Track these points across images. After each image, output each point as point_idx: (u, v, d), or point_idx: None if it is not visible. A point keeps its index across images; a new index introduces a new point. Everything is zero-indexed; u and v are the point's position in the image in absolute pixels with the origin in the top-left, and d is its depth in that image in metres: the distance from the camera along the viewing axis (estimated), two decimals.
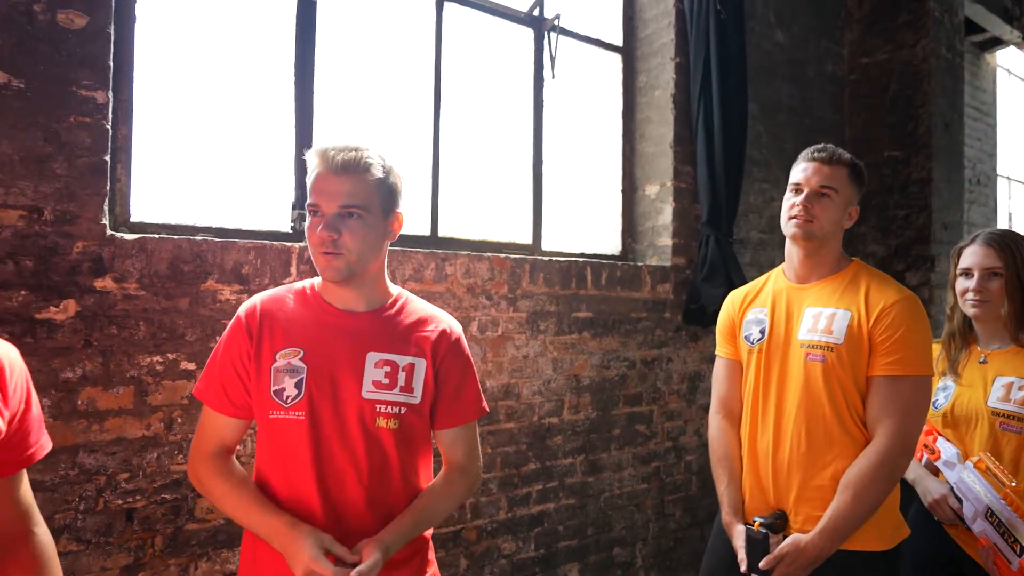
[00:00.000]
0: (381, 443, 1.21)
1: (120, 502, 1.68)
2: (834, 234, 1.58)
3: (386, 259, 1.29)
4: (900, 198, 3.65)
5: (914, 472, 1.79)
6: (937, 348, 1.84)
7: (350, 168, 1.16)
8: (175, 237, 1.78)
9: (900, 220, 3.64)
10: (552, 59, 2.82)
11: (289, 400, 1.18)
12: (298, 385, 1.18)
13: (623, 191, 3.08)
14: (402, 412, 1.22)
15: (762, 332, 1.63)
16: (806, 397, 1.53)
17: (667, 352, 2.92)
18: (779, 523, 1.53)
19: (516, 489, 2.45)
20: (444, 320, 1.33)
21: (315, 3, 2.19)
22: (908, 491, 1.87)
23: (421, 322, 1.29)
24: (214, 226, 1.97)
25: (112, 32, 1.71)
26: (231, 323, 1.24)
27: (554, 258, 2.61)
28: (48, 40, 1.59)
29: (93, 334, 1.65)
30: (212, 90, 2.07)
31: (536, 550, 2.50)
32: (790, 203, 1.58)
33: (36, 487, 1.57)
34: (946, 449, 1.71)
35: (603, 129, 3.07)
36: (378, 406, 1.20)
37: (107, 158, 1.68)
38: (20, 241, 1.56)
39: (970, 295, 1.74)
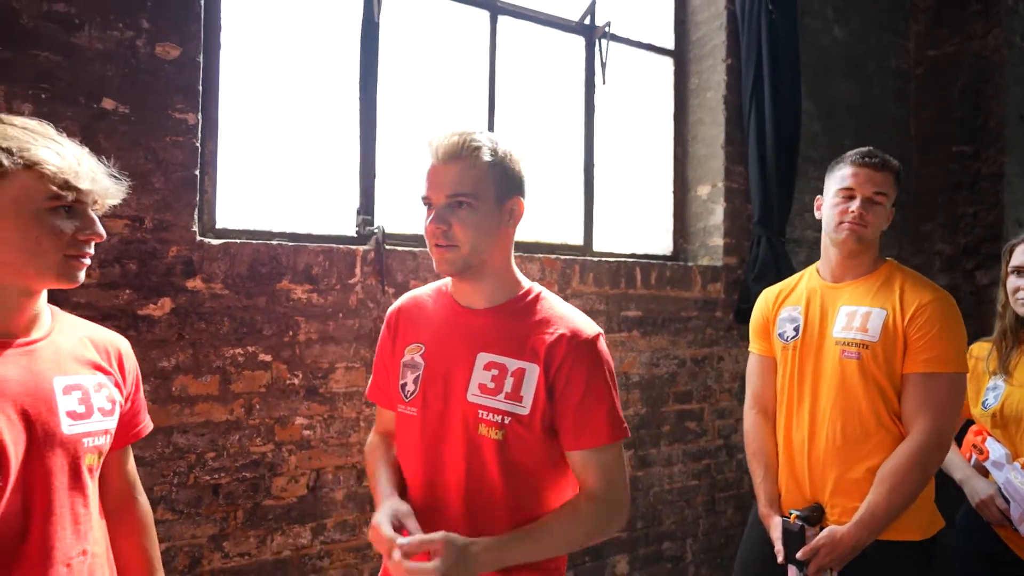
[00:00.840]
0: (482, 453, 1.11)
1: (208, 478, 1.89)
2: (877, 238, 1.65)
3: (512, 250, 1.20)
4: (969, 194, 3.52)
5: (962, 472, 1.78)
6: (987, 347, 1.82)
7: (455, 155, 1.09)
8: (254, 242, 1.98)
9: (969, 217, 3.51)
10: (603, 65, 2.90)
11: (408, 395, 1.18)
12: (416, 381, 1.17)
13: (674, 192, 3.12)
14: (506, 422, 1.09)
15: (796, 329, 1.68)
16: (842, 393, 1.58)
17: (718, 351, 2.95)
18: (815, 515, 1.57)
19: None
20: (573, 322, 1.15)
21: (378, 23, 2.36)
22: (957, 491, 1.86)
23: (545, 323, 1.13)
24: (287, 231, 2.16)
25: (201, 60, 1.92)
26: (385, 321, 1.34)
27: (604, 259, 2.70)
28: (148, 70, 1.82)
29: (185, 328, 1.86)
30: (285, 107, 2.27)
31: None
32: (841, 208, 1.61)
33: (138, 462, 1.79)
34: (995, 449, 1.70)
35: (654, 131, 3.13)
36: (480, 412, 1.10)
37: (197, 172, 1.89)
38: (125, 247, 1.79)
39: (1021, 294, 1.72)
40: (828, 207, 1.66)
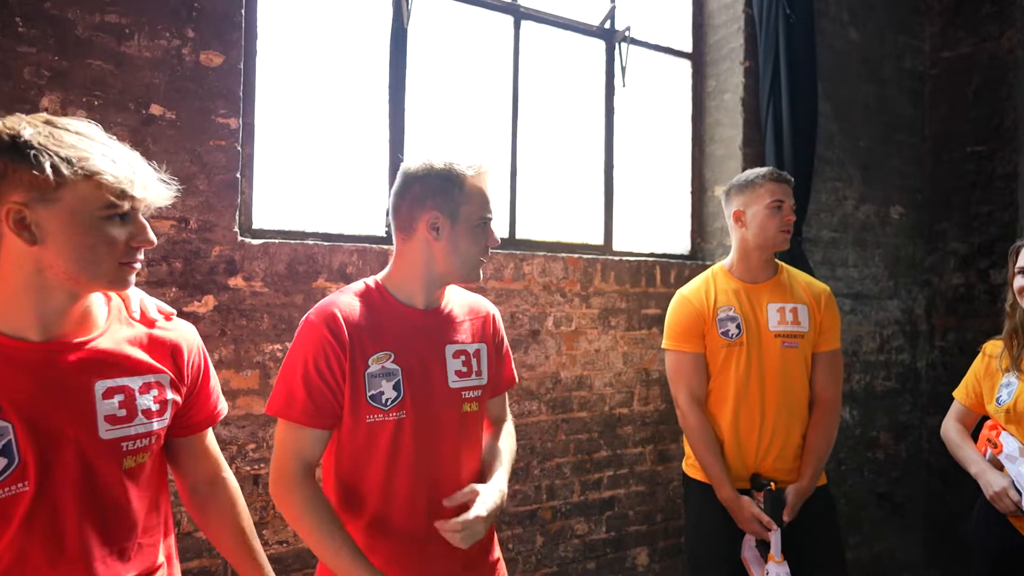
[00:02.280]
0: (468, 425, 1.32)
1: (248, 468, 1.97)
2: None
3: None
4: (983, 194, 3.55)
5: (977, 466, 1.83)
6: (1000, 345, 1.87)
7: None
8: (292, 242, 2.06)
9: (983, 217, 3.55)
10: (623, 68, 2.96)
11: (389, 402, 1.21)
12: (396, 387, 1.22)
13: (692, 193, 3.18)
14: (480, 395, 1.33)
15: (739, 327, 1.93)
16: (785, 378, 1.91)
17: None
18: (777, 484, 1.89)
19: (588, 474, 2.61)
20: (486, 304, 1.45)
21: (406, 29, 2.44)
22: (972, 484, 1.91)
23: (471, 310, 1.39)
24: (321, 231, 2.24)
25: (241, 67, 2.00)
26: (309, 335, 1.22)
27: (624, 258, 2.76)
28: (193, 77, 1.90)
29: (227, 325, 1.94)
30: (318, 111, 2.35)
31: (607, 532, 2.66)
32: (779, 217, 1.92)
33: None
34: (1008, 443, 1.75)
35: (672, 133, 3.18)
36: (463, 393, 1.30)
37: (238, 175, 1.97)
38: (171, 247, 1.87)
39: None
40: (762, 218, 1.92)
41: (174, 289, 1.87)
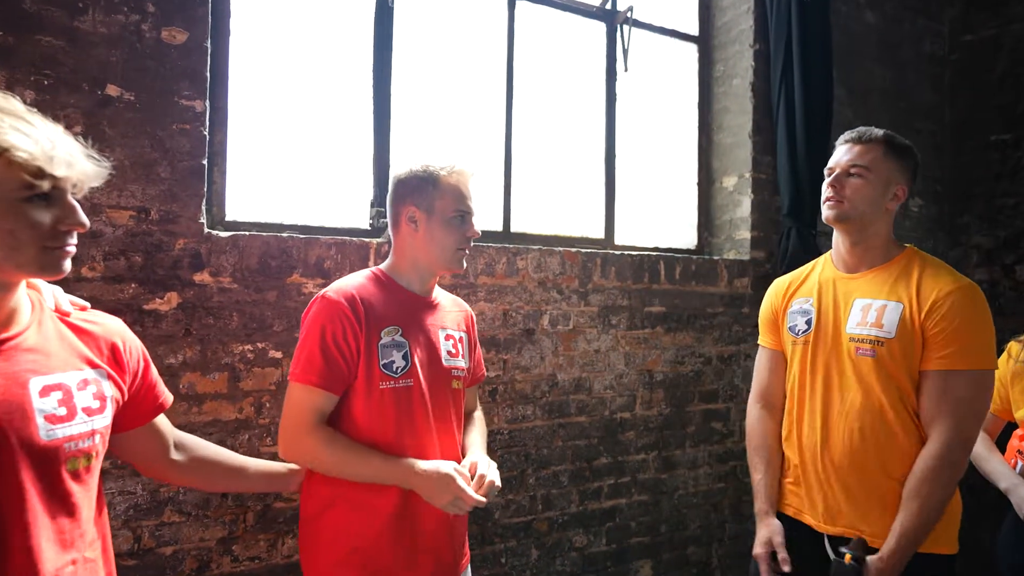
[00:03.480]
0: (456, 400, 1.50)
1: None
2: (876, 216, 1.50)
3: None
4: (1009, 185, 3.36)
5: (1008, 481, 1.67)
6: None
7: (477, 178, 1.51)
8: (264, 234, 1.91)
9: (1009, 209, 3.35)
10: (625, 52, 2.79)
11: (399, 371, 1.38)
12: (405, 357, 1.39)
13: (699, 184, 3.01)
14: (463, 375, 1.52)
15: (808, 323, 1.57)
16: (859, 393, 1.47)
17: (745, 348, 2.83)
18: (863, 552, 1.44)
19: (587, 483, 2.45)
20: (464, 303, 1.65)
21: (392, 7, 2.28)
22: (1002, 501, 1.74)
23: (455, 304, 1.60)
24: (300, 224, 2.09)
25: (209, 46, 1.85)
26: (327, 309, 1.35)
27: (626, 252, 2.59)
28: (154, 56, 1.75)
29: (192, 324, 1.79)
30: (297, 96, 2.20)
31: (608, 544, 2.50)
32: (824, 187, 1.55)
33: None
34: None
35: (678, 121, 3.01)
36: (453, 371, 1.49)
37: (204, 162, 1.82)
38: (130, 239, 1.72)
39: None
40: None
41: (133, 285, 1.73)
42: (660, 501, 2.62)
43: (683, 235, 3.00)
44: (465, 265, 1.50)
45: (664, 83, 2.99)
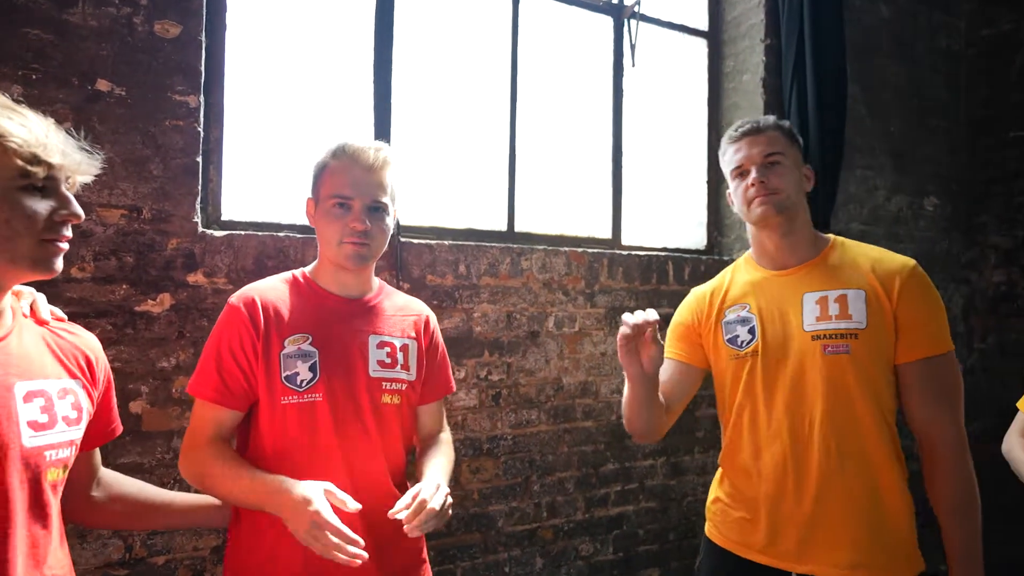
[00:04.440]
0: (387, 417, 1.28)
1: None
2: (801, 204, 1.39)
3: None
4: None
5: None
6: None
7: (382, 165, 1.26)
8: (259, 234, 1.85)
9: None
10: (632, 47, 2.73)
11: (304, 384, 1.21)
12: (312, 368, 1.21)
13: (708, 182, 2.94)
14: (403, 388, 1.30)
15: (752, 332, 1.37)
16: (832, 399, 1.28)
17: None
18: None
19: (594, 489, 2.39)
20: (423, 306, 1.44)
21: (392, 2, 2.22)
22: (1018, 500, 1.66)
23: (406, 308, 1.39)
24: (299, 223, 2.03)
25: (203, 40, 1.80)
26: (225, 316, 1.22)
27: (633, 252, 2.53)
28: (146, 49, 1.70)
29: (186, 326, 1.74)
30: (296, 91, 2.14)
31: (615, 553, 2.43)
32: (741, 188, 1.38)
33: (136, 469, 1.69)
34: None
35: (686, 117, 2.94)
36: (384, 383, 1.28)
37: (198, 159, 1.77)
38: (122, 238, 1.67)
39: None
40: (733, 195, 1.43)
41: (124, 286, 1.68)
42: (669, 508, 2.55)
43: (692, 235, 2.93)
44: (358, 262, 1.24)
45: (673, 79, 2.92)
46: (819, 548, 1.27)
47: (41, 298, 1.01)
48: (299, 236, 1.91)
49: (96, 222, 1.64)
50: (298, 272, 1.33)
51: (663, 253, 2.64)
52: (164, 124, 1.72)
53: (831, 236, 1.42)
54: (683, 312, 1.54)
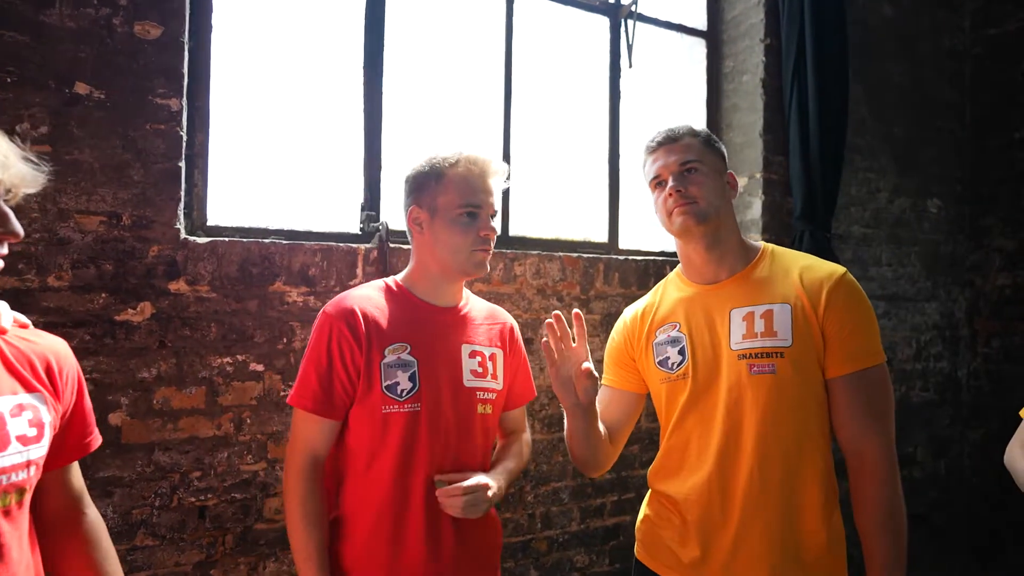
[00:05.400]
0: (483, 428, 1.30)
1: (193, 500, 1.72)
2: (726, 212, 1.30)
3: None
4: None
5: None
6: None
7: (503, 174, 1.30)
8: (244, 240, 1.81)
9: None
10: (629, 47, 2.68)
11: (404, 393, 1.22)
12: (412, 378, 1.22)
13: None
14: (494, 398, 1.31)
15: (682, 353, 1.29)
16: (759, 422, 1.20)
17: None
18: None
19: (590, 500, 2.34)
20: (505, 314, 1.44)
21: (384, 2, 2.18)
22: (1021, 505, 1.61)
23: (490, 316, 1.39)
24: (287, 229, 1.99)
25: (186, 41, 1.76)
26: (324, 326, 1.21)
27: (630, 257, 2.47)
28: (126, 52, 1.65)
29: (167, 335, 1.70)
30: (285, 95, 2.10)
31: (611, 564, 2.38)
32: (661, 200, 1.31)
33: (115, 483, 1.64)
34: None
35: (685, 119, 2.88)
36: (478, 393, 1.29)
37: (181, 164, 1.73)
38: (101, 246, 1.63)
39: None
40: (655, 208, 1.36)
41: (104, 295, 1.63)
42: None
43: None
44: (485, 270, 1.28)
45: (671, 80, 2.87)
46: (741, 573, 1.21)
47: (3, 307, 0.96)
48: (286, 242, 1.86)
49: (74, 229, 1.60)
50: (390, 281, 1.34)
51: (660, 258, 2.59)
52: (145, 128, 1.67)
53: (762, 244, 1.34)
54: (615, 335, 1.46)
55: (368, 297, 1.28)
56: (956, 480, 3.30)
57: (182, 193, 1.74)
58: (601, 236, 2.61)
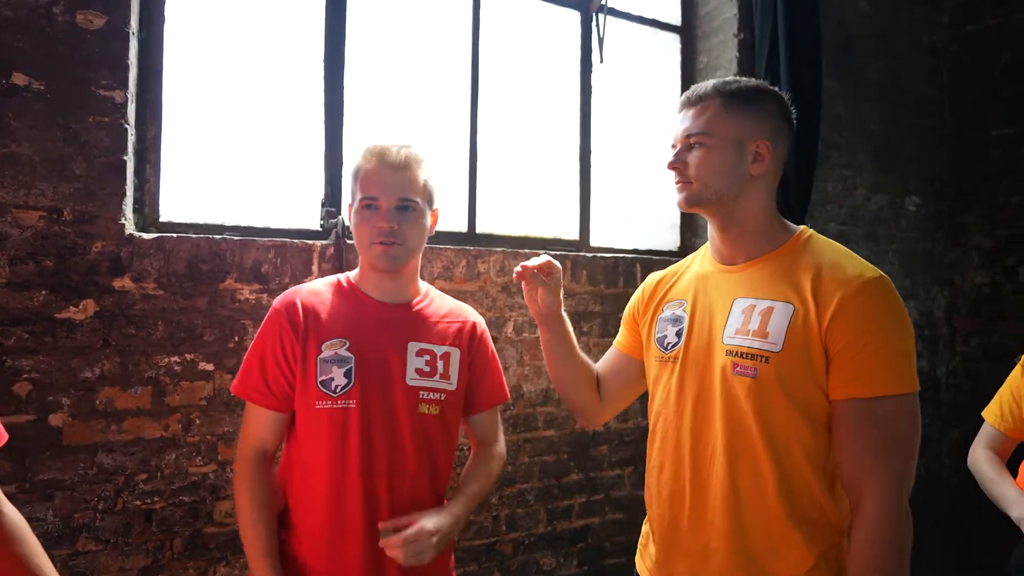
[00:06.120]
0: (426, 428, 1.25)
1: (139, 503, 1.67)
2: (738, 189, 1.12)
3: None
4: (1012, 182, 3.18)
5: (1019, 509, 1.50)
6: None
7: (408, 163, 1.23)
8: (193, 236, 1.76)
9: (1012, 207, 3.18)
10: (600, 42, 2.64)
11: (339, 389, 1.19)
12: (347, 374, 1.20)
13: None
14: (442, 398, 1.27)
15: (679, 334, 1.18)
16: (729, 429, 1.07)
17: None
18: None
19: (556, 501, 2.29)
20: (470, 312, 1.39)
21: None
22: (1012, 530, 1.58)
23: (451, 314, 1.35)
24: (243, 225, 1.94)
25: (134, 32, 1.71)
26: (270, 319, 1.22)
27: (599, 254, 2.43)
28: (67, 41, 1.60)
29: (112, 334, 1.65)
30: (242, 88, 2.05)
31: (579, 567, 2.34)
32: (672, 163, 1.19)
33: (56, 485, 1.59)
34: None
35: (658, 115, 2.85)
36: (421, 392, 1.25)
37: (126, 158, 1.68)
38: (40, 241, 1.58)
39: None
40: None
41: (44, 292, 1.58)
42: (636, 520, 2.45)
43: (666, 236, 2.84)
44: (389, 263, 1.21)
45: (644, 75, 2.83)
46: None
47: None
48: (236, 238, 1.81)
49: (12, 224, 1.55)
50: (343, 277, 1.32)
51: (631, 255, 2.55)
52: (88, 121, 1.63)
53: (799, 230, 1.15)
54: (634, 298, 1.38)
55: (315, 292, 1.27)
56: (935, 480, 3.28)
57: (128, 188, 1.70)
58: (572, 234, 2.57)
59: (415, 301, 1.31)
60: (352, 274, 1.32)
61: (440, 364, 1.28)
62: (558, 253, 2.32)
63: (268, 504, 1.19)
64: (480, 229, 2.36)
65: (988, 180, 3.25)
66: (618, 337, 1.40)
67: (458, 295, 2.10)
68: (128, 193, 1.71)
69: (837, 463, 1.02)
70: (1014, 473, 1.66)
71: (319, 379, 1.19)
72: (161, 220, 1.86)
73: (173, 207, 1.90)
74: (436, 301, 1.35)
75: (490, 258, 2.17)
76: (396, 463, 1.21)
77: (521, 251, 2.25)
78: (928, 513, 3.26)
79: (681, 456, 1.14)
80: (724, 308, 1.13)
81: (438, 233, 2.22)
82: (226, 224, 1.92)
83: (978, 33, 3.32)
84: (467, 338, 1.33)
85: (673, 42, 2.87)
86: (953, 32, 3.39)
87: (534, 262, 1.25)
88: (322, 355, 1.20)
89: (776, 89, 1.18)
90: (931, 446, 3.30)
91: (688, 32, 2.87)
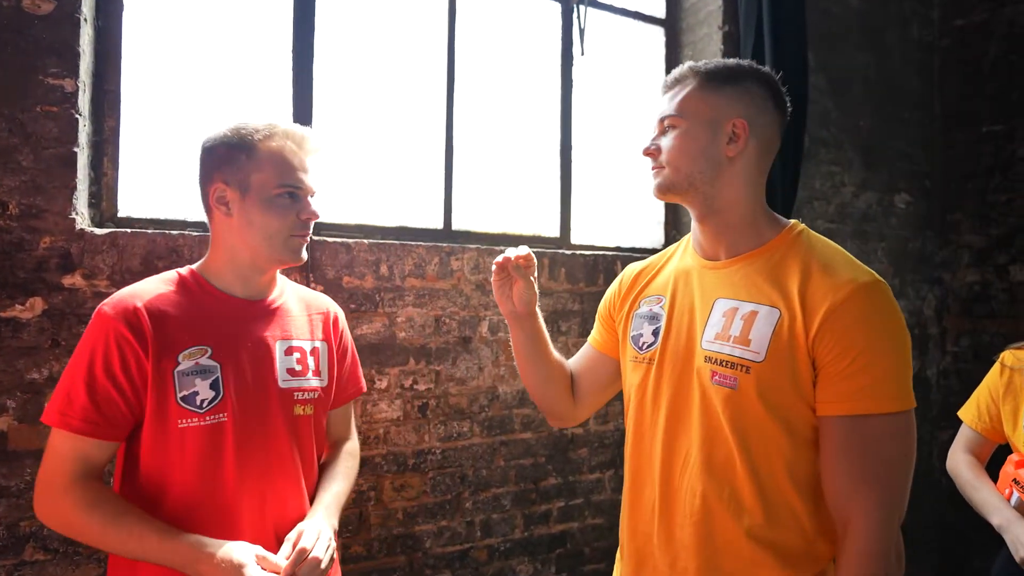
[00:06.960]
0: (301, 431, 1.18)
1: None
2: (713, 173, 1.03)
3: None
4: (1002, 179, 3.13)
5: (1001, 516, 1.44)
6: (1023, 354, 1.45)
7: (322, 149, 1.18)
8: (148, 231, 1.69)
9: (1002, 205, 3.13)
10: (581, 34, 2.57)
11: (205, 404, 1.07)
12: (213, 386, 1.08)
13: None
14: (316, 396, 1.20)
15: (656, 334, 1.10)
16: (706, 439, 0.99)
17: None
18: None
19: (534, 506, 2.23)
20: (328, 302, 1.33)
21: None
22: (993, 539, 1.52)
23: (310, 306, 1.28)
24: (204, 220, 1.87)
25: (87, 19, 1.64)
26: (99, 329, 1.04)
27: (578, 252, 2.37)
28: (12, 27, 1.53)
29: (61, 333, 1.58)
30: (208, 77, 1.98)
31: (557, 573, 2.27)
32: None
33: (0, 493, 1.52)
34: None
35: (641, 109, 2.79)
36: (296, 394, 1.17)
37: (76, 149, 1.61)
38: None
39: None
40: None
41: None
42: (617, 525, 2.39)
43: (651, 233, 2.78)
44: (305, 256, 1.17)
45: (627, 69, 2.77)
46: None
47: None
48: (196, 234, 1.74)
49: None
50: (184, 271, 1.16)
51: (611, 253, 2.48)
52: (35, 110, 1.55)
53: (790, 224, 1.07)
54: (609, 292, 1.30)
55: (156, 292, 1.10)
56: (925, 482, 3.22)
57: (79, 181, 1.62)
58: (553, 231, 2.51)
59: (273, 296, 1.21)
60: (197, 266, 1.18)
61: (311, 360, 1.20)
62: (537, 250, 2.26)
63: (125, 505, 1.02)
64: (456, 226, 2.29)
65: (978, 177, 3.20)
66: (593, 333, 1.33)
67: (430, 293, 2.04)
68: (81, 187, 1.64)
69: (823, 484, 0.94)
70: (994, 477, 1.61)
71: (179, 395, 1.04)
72: (119, 215, 1.79)
73: (133, 202, 1.83)
74: (292, 293, 1.26)
75: (464, 255, 2.11)
76: (274, 469, 1.12)
77: (497, 248, 2.18)
78: (919, 515, 3.21)
79: (652, 465, 1.07)
80: (704, 309, 1.05)
81: (412, 229, 2.17)
82: (188, 220, 1.85)
83: (967, 28, 3.26)
84: (332, 330, 1.28)
85: (657, 35, 2.81)
86: (943, 27, 3.34)
87: (517, 252, 1.16)
88: (180, 367, 1.05)
89: (761, 68, 1.08)
90: (921, 447, 3.24)
91: (672, 25, 2.81)
